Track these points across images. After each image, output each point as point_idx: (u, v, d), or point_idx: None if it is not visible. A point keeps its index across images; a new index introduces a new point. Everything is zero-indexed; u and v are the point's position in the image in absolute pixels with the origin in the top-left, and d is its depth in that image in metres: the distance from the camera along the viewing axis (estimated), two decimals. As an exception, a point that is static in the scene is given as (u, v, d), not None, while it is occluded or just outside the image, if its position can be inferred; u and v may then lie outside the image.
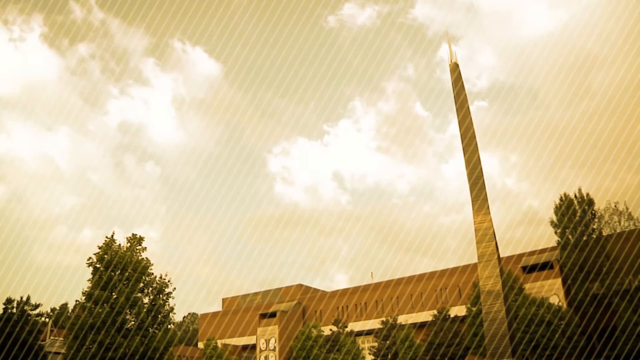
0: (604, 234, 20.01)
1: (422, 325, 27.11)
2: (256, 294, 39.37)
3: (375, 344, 26.23)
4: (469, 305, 21.21)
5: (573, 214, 20.41)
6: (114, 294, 16.50)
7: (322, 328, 26.77)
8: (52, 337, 26.00)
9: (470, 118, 13.91)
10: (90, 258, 16.85)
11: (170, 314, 17.63)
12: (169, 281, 17.65)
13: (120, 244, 17.45)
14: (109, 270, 16.60)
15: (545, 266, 23.11)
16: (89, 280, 16.71)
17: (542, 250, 24.30)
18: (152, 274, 17.49)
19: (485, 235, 13.36)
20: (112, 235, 17.48)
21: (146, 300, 17.21)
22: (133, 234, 17.87)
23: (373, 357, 25.63)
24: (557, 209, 21.05)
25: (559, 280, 21.85)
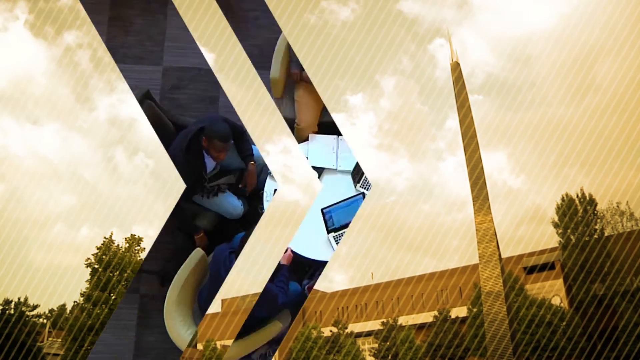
0: (606, 234, 19.92)
1: (422, 326, 27.02)
2: (255, 294, 39.11)
3: (376, 345, 26.11)
4: (469, 306, 21.12)
5: (574, 214, 20.31)
6: (112, 295, 16.44)
7: (322, 329, 26.66)
8: (50, 339, 25.89)
9: (471, 117, 13.85)
10: (88, 259, 16.81)
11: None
12: (167, 282, 17.58)
13: (118, 245, 17.42)
14: (108, 271, 16.56)
15: (547, 267, 23.03)
16: (87, 281, 16.68)
17: (543, 251, 24.21)
18: (151, 274, 17.42)
19: (486, 236, 13.28)
20: (111, 236, 17.44)
21: (145, 301, 17.14)
22: (132, 234, 17.84)
23: (373, 359, 25.50)
24: (559, 209, 20.97)
25: (560, 281, 21.77)
